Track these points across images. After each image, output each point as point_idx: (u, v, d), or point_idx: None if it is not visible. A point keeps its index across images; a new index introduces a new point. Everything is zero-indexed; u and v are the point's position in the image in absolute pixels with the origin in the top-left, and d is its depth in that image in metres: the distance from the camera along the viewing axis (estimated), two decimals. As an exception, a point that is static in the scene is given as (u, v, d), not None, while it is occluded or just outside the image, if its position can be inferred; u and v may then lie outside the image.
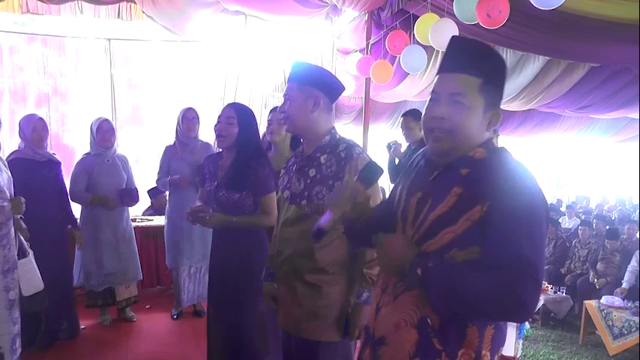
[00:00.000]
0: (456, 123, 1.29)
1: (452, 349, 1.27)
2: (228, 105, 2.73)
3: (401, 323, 1.33)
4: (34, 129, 3.55)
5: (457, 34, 4.04)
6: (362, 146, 2.16)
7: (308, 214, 1.98)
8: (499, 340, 1.33)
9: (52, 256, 3.52)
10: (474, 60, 1.31)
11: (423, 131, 1.39)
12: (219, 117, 2.67)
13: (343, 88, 2.08)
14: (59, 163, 3.74)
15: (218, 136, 2.64)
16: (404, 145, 4.52)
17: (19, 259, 2.74)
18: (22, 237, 2.84)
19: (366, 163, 1.62)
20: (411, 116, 4.44)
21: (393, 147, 4.44)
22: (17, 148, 3.61)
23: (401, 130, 4.51)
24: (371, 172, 1.55)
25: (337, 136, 2.04)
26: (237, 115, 2.61)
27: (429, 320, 1.29)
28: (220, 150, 2.78)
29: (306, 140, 2.08)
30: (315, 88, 1.97)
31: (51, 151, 3.78)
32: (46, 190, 3.55)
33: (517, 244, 1.17)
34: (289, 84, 2.01)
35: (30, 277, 2.76)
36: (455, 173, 1.31)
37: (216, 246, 2.80)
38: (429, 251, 1.29)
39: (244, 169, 2.57)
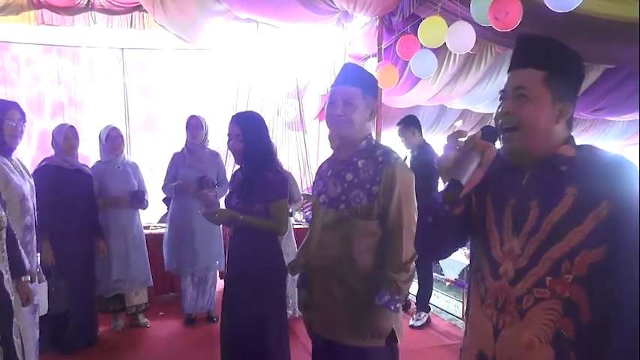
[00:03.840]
0: (523, 116, 1.27)
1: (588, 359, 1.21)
2: (233, 119, 2.69)
3: (534, 342, 1.23)
4: (65, 137, 3.64)
5: (474, 37, 4.04)
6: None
7: (347, 217, 1.99)
8: None
9: (78, 262, 3.62)
10: (536, 54, 1.30)
11: (498, 130, 1.34)
12: (228, 133, 2.67)
13: None
14: (89, 174, 3.81)
15: (232, 153, 2.72)
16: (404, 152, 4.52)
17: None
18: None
19: (482, 128, 1.44)
20: (403, 123, 4.47)
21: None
22: (49, 156, 3.70)
23: (400, 138, 4.53)
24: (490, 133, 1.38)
25: (373, 142, 2.07)
26: (241, 130, 2.62)
27: (563, 332, 1.21)
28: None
29: (343, 145, 2.08)
30: (373, 97, 2.05)
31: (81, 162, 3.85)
32: (74, 198, 3.62)
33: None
34: (350, 87, 1.98)
35: (42, 300, 2.86)
36: (555, 173, 1.26)
37: (234, 253, 2.78)
38: (556, 257, 1.22)
39: (253, 182, 2.61)
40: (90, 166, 4.04)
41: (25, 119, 2.76)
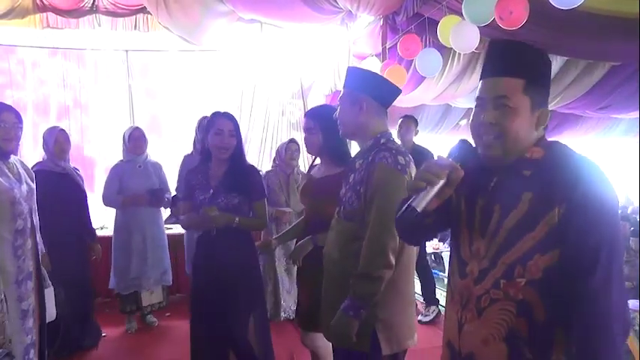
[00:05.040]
0: (505, 126, 1.28)
1: (543, 356, 1.26)
2: (226, 116, 2.74)
3: (489, 338, 1.31)
4: (56, 140, 3.62)
5: (478, 36, 4.02)
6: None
7: (342, 219, 2.01)
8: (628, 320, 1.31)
9: (69, 265, 3.56)
10: (514, 62, 1.31)
11: (472, 137, 1.36)
12: (218, 129, 2.68)
13: (398, 91, 2.07)
14: (80, 177, 3.81)
15: (221, 148, 2.69)
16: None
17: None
18: (43, 269, 2.91)
19: (459, 141, 1.41)
20: (408, 118, 4.49)
21: None
22: (41, 160, 3.68)
23: (398, 129, 4.52)
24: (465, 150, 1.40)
25: (381, 141, 1.98)
26: (235, 127, 2.72)
27: (517, 331, 1.27)
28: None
29: (359, 145, 2.09)
30: (363, 92, 1.98)
31: (72, 165, 3.85)
32: (64, 202, 3.59)
33: (595, 250, 1.17)
34: (343, 90, 2.05)
35: (49, 306, 2.87)
36: (517, 177, 1.29)
37: (207, 252, 2.77)
38: (510, 262, 1.27)
39: (240, 175, 2.71)
40: (100, 169, 4.07)
41: (22, 122, 2.68)
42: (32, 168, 3.45)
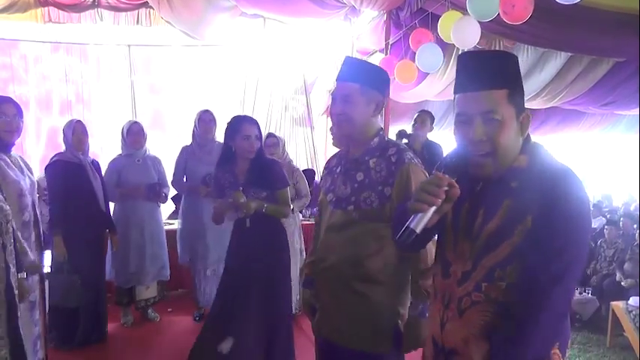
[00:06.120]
0: (496, 141, 1.27)
1: None
2: (251, 122, 3.04)
3: (470, 338, 1.33)
4: (74, 131, 3.65)
5: (479, 32, 4.01)
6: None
7: (355, 220, 1.90)
8: (567, 335, 1.35)
9: (89, 257, 3.66)
10: (497, 73, 1.28)
11: (458, 154, 1.34)
12: (245, 134, 2.96)
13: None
14: (94, 169, 3.81)
15: (249, 152, 2.99)
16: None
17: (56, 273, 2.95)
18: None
19: (450, 152, 1.42)
20: (425, 113, 4.47)
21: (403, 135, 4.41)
22: (60, 151, 3.72)
23: (413, 123, 4.50)
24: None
25: (385, 138, 1.95)
26: (258, 131, 3.03)
27: (498, 330, 1.29)
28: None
29: (354, 143, 1.96)
30: (377, 90, 1.89)
31: (91, 158, 3.87)
32: (83, 193, 3.64)
33: (559, 251, 1.21)
34: (349, 83, 1.88)
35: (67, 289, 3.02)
36: (503, 185, 1.30)
37: (241, 240, 3.05)
38: (490, 265, 1.29)
39: (264, 171, 3.01)
40: (110, 160, 4.13)
41: (22, 115, 2.69)
42: (52, 159, 3.63)
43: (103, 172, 3.97)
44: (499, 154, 1.28)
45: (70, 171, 3.57)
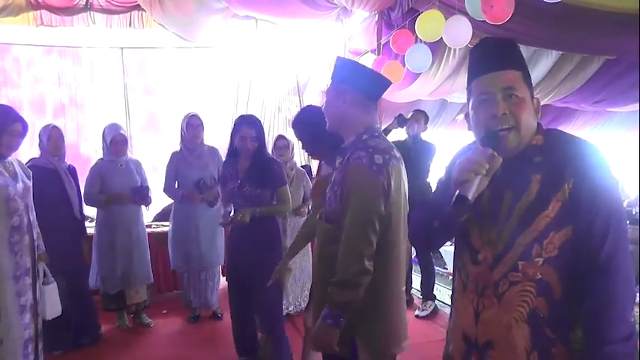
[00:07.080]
0: (518, 116, 1.33)
1: (564, 334, 1.30)
2: (249, 124, 3.14)
3: (511, 322, 1.33)
4: (49, 137, 3.65)
5: (470, 31, 4.04)
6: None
7: (322, 220, 1.96)
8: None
9: (64, 261, 3.55)
10: (510, 55, 1.39)
11: (483, 132, 1.36)
12: (241, 136, 3.11)
13: (386, 83, 1.97)
14: (69, 176, 3.78)
15: (245, 151, 3.14)
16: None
17: (43, 284, 2.89)
18: (44, 265, 2.94)
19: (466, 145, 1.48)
20: (420, 113, 4.50)
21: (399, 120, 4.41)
22: (35, 157, 3.70)
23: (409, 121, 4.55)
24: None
25: (363, 137, 1.87)
26: (257, 134, 3.15)
27: (538, 311, 1.31)
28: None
29: (345, 140, 1.97)
30: (346, 84, 1.89)
31: (68, 163, 3.85)
32: (56, 198, 3.62)
33: (606, 218, 1.25)
34: (331, 82, 1.99)
35: (54, 302, 2.94)
36: (527, 162, 1.35)
37: (237, 242, 3.20)
38: (527, 242, 1.31)
39: (261, 169, 3.14)
40: (92, 164, 4.08)
41: (26, 132, 2.75)
42: (26, 164, 3.51)
43: (82, 178, 3.95)
44: (522, 128, 1.33)
45: (44, 177, 3.48)
